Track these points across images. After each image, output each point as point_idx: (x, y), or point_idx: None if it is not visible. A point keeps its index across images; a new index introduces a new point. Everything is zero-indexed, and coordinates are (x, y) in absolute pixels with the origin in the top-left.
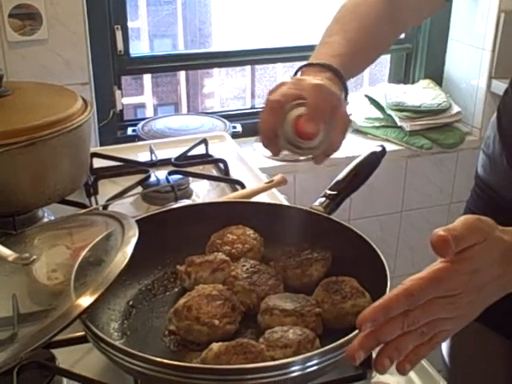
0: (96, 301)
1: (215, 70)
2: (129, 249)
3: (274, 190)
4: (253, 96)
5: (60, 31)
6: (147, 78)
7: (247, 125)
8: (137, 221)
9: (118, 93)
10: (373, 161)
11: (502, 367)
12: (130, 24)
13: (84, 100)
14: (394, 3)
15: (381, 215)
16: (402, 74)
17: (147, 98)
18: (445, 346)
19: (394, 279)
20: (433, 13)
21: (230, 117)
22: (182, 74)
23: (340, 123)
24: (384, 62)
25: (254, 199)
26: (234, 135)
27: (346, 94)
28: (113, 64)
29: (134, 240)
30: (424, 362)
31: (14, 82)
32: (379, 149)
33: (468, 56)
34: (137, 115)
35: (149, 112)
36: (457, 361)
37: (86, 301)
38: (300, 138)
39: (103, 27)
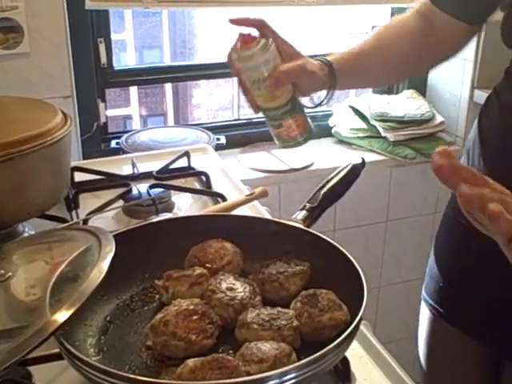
0: (71, 317)
1: (202, 81)
2: (105, 264)
3: (255, 202)
4: (238, 107)
5: (42, 44)
6: (134, 90)
7: (232, 136)
8: (115, 236)
9: (101, 105)
10: (352, 173)
11: (477, 373)
12: (115, 36)
13: (64, 114)
14: (426, 18)
15: (366, 225)
16: (386, 85)
17: (134, 109)
18: (421, 350)
19: (380, 288)
20: (468, 37)
21: (216, 128)
22: (168, 86)
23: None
24: None
25: (235, 212)
26: (219, 147)
27: (334, 85)
28: (96, 77)
29: (110, 255)
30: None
31: None
32: (359, 161)
33: (451, 66)
34: (126, 126)
35: (136, 123)
36: (432, 365)
37: (60, 317)
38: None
39: (86, 40)
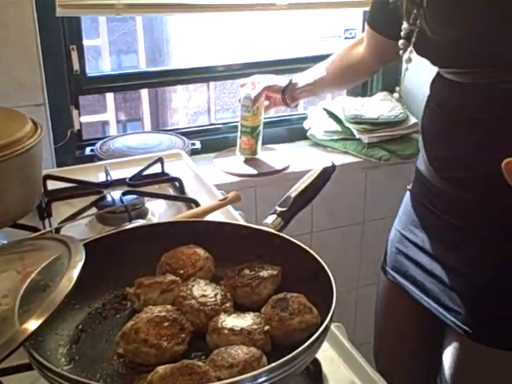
0: (41, 326)
1: (179, 86)
2: (74, 273)
3: (228, 206)
4: (211, 111)
5: (12, 52)
6: (110, 96)
7: (207, 141)
8: (85, 244)
9: (75, 112)
10: (323, 177)
11: (410, 326)
12: (89, 42)
13: (34, 122)
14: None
15: (343, 227)
16: (360, 87)
17: (110, 115)
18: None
19: (359, 289)
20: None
21: (191, 133)
22: (144, 91)
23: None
24: None
25: (209, 217)
26: (194, 152)
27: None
28: (69, 84)
29: (80, 264)
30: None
31: None
32: (329, 164)
33: (424, 68)
34: (105, 132)
35: (113, 129)
36: (379, 324)
37: (30, 326)
38: None
39: (58, 47)
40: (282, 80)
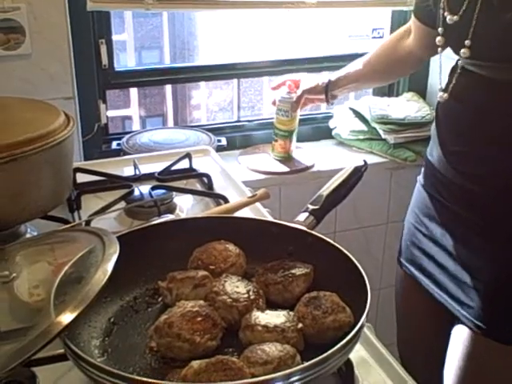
0: (76, 318)
1: (202, 82)
2: (109, 266)
3: (257, 204)
4: (238, 108)
5: (44, 45)
6: (134, 91)
7: (232, 138)
8: (118, 237)
9: (102, 107)
10: (355, 176)
11: (425, 318)
12: (115, 37)
13: (66, 115)
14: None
15: (366, 227)
16: (387, 87)
17: (134, 110)
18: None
19: (380, 290)
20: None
21: (216, 130)
22: (168, 87)
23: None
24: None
25: (237, 214)
26: (219, 148)
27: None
28: (97, 78)
29: (114, 257)
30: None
31: None
32: (362, 164)
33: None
34: (125, 127)
35: (135, 124)
36: (399, 317)
37: (65, 318)
38: None
39: (87, 41)
40: (318, 79)
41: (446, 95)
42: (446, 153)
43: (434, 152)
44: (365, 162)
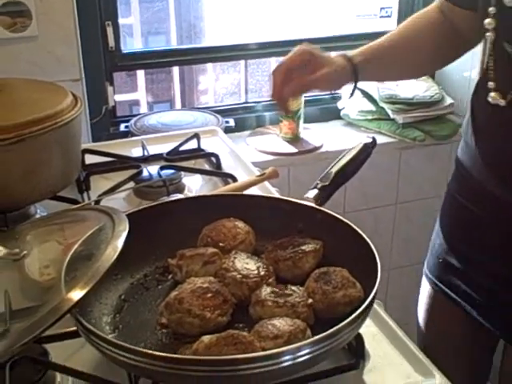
0: (86, 294)
1: (209, 67)
2: (119, 242)
3: (265, 183)
4: (246, 91)
5: (50, 28)
6: (141, 76)
7: (240, 119)
8: (128, 215)
9: (110, 89)
10: (364, 152)
11: (467, 349)
12: (121, 20)
13: (74, 95)
14: (446, 14)
15: (375, 208)
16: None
17: (141, 94)
18: (420, 322)
19: (390, 271)
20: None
21: (224, 112)
22: (175, 71)
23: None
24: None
25: (246, 192)
26: (227, 130)
27: (356, 79)
28: (104, 60)
29: (124, 234)
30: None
31: (3, 78)
32: (370, 140)
33: None
34: (132, 112)
35: (143, 109)
36: (428, 336)
37: (76, 295)
38: None
39: (94, 23)
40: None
41: (503, 102)
42: (483, 154)
43: (463, 150)
44: (373, 138)
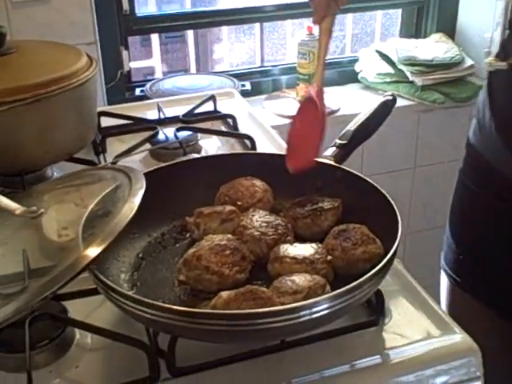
0: (104, 251)
1: (224, 35)
2: (136, 200)
3: (282, 142)
4: (262, 56)
5: None
6: (156, 43)
7: (257, 83)
8: (145, 174)
9: (125, 53)
10: (383, 110)
11: (494, 342)
12: None
13: (89, 57)
14: None
15: (393, 171)
16: (414, 29)
17: (156, 61)
18: (444, 300)
19: (407, 236)
20: None
21: (240, 76)
22: (190, 40)
23: None
24: (395, 16)
25: (262, 151)
26: (244, 93)
27: None
28: (119, 24)
29: (141, 192)
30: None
31: (18, 40)
32: (389, 98)
33: (481, 8)
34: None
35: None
36: None
37: (93, 251)
38: None
39: None
40: None
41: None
42: (502, 136)
43: (478, 134)
44: (393, 95)
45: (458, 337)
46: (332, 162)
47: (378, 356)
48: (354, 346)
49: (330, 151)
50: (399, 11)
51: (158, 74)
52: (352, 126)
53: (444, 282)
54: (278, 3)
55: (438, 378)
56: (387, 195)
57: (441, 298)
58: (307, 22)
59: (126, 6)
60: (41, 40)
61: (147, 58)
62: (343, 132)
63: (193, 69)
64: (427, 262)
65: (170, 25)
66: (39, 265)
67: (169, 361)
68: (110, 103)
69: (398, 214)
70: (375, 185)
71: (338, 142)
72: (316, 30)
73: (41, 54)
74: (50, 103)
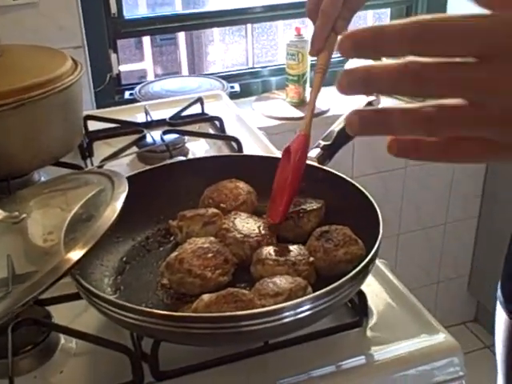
0: (86, 255)
1: (216, 37)
2: (118, 204)
3: (269, 145)
4: (252, 57)
5: None
6: (147, 46)
7: (247, 85)
8: (128, 177)
9: (113, 56)
10: None
11: None
12: None
13: (74, 60)
14: None
15: (384, 171)
16: (404, 14)
17: (148, 64)
18: (498, 352)
19: (400, 236)
20: None
21: (230, 77)
22: (182, 42)
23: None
24: (384, 15)
25: (247, 152)
26: (233, 95)
27: None
28: (107, 27)
29: (123, 195)
30: (425, 312)
31: (3, 44)
32: (373, 98)
33: (469, 7)
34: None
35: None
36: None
37: (75, 255)
38: None
39: None
40: None
41: None
42: None
43: None
44: (377, 96)
45: (442, 337)
46: (315, 163)
47: (363, 357)
48: (338, 347)
49: (314, 152)
50: (388, 11)
51: (151, 77)
52: (336, 126)
53: (501, 315)
54: (266, 4)
55: (421, 377)
56: (369, 196)
57: (496, 330)
58: (296, 23)
59: (114, 8)
60: (25, 44)
61: (141, 61)
62: (327, 133)
63: (185, 71)
64: (419, 262)
65: (159, 27)
66: (24, 270)
67: (152, 365)
68: (99, 107)
69: (379, 214)
70: (358, 186)
71: (322, 143)
72: (304, 30)
73: (26, 58)
74: (35, 107)
